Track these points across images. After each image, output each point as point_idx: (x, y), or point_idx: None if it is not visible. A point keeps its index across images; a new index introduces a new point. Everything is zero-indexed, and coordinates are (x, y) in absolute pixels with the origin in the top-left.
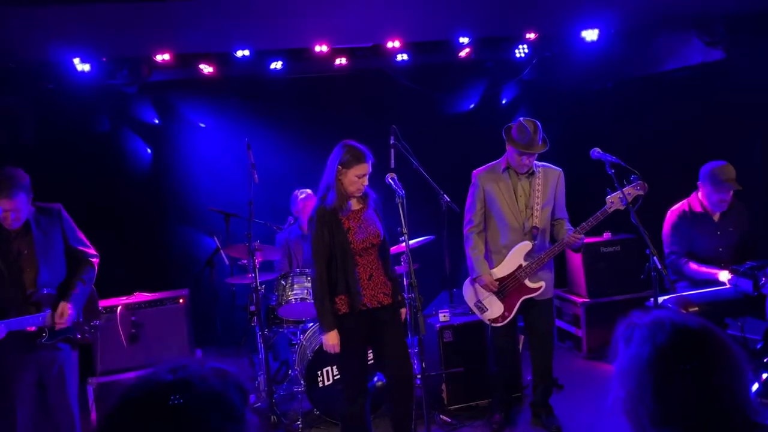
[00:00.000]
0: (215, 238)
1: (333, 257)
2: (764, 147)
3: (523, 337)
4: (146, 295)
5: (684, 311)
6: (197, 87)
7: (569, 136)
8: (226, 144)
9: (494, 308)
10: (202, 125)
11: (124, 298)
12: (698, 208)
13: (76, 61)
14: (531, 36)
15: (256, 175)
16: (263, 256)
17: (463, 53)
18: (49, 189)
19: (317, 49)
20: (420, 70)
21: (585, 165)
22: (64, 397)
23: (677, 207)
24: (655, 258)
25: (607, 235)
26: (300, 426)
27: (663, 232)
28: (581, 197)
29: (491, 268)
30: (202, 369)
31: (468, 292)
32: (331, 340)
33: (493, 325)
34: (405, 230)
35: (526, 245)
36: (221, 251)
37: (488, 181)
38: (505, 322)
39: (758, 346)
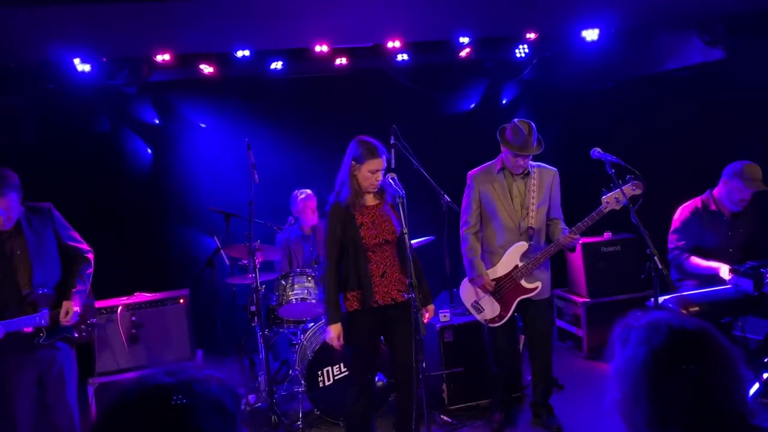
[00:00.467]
0: (215, 238)
1: (345, 253)
2: (764, 147)
3: (523, 337)
4: (147, 296)
5: (684, 311)
6: (197, 87)
7: (569, 136)
8: (227, 144)
9: (491, 309)
10: (203, 125)
11: (125, 298)
12: (713, 207)
13: (77, 61)
14: (531, 36)
15: (256, 175)
16: (263, 256)
17: (463, 53)
18: (50, 189)
19: (317, 49)
20: (420, 70)
21: (585, 165)
22: (63, 396)
23: (689, 203)
24: (655, 258)
25: (607, 235)
26: (300, 426)
27: (671, 227)
28: (581, 197)
29: (488, 268)
30: (199, 373)
31: (465, 293)
32: (333, 332)
33: (490, 325)
34: (405, 230)
35: (522, 245)
36: (221, 251)
37: (483, 182)
38: (502, 322)
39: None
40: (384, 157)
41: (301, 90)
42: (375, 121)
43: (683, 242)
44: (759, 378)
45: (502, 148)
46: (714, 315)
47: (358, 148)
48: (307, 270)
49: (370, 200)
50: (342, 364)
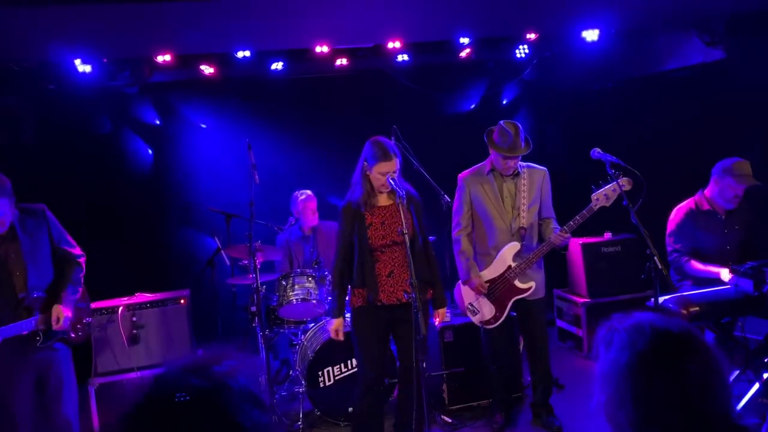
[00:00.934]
0: (216, 239)
1: (354, 251)
2: (764, 147)
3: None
4: (147, 296)
5: (685, 311)
6: (198, 88)
7: (569, 136)
8: (227, 144)
9: (486, 310)
10: (203, 126)
11: (125, 298)
12: (706, 206)
13: (78, 62)
14: (531, 36)
15: (256, 176)
16: (264, 256)
17: (463, 53)
18: (50, 189)
19: (318, 49)
20: (420, 70)
21: (585, 165)
22: (62, 397)
23: (683, 205)
24: (655, 258)
25: (607, 235)
26: (301, 426)
27: (667, 230)
28: (581, 197)
29: (481, 270)
30: (224, 366)
31: (459, 295)
32: (333, 326)
33: (486, 327)
34: (405, 230)
35: (514, 246)
36: (222, 252)
37: (474, 184)
38: (498, 323)
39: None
40: (397, 159)
41: (301, 90)
42: (375, 121)
43: (680, 245)
44: (759, 378)
45: (491, 151)
46: (714, 315)
47: (370, 149)
48: (308, 270)
49: (383, 200)
50: (342, 365)
